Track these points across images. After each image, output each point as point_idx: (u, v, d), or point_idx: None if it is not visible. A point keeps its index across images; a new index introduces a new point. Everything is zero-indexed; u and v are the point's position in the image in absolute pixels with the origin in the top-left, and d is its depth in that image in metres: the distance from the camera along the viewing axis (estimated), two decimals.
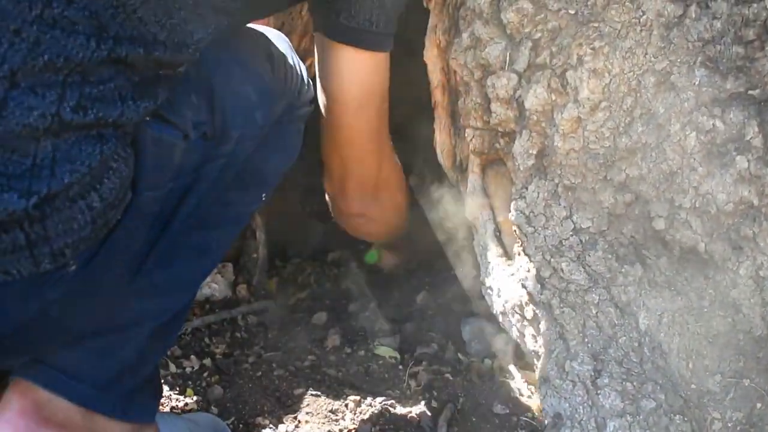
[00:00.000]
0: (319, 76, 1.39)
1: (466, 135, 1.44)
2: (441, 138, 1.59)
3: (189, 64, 1.04)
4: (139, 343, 1.18)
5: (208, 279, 1.91)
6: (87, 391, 1.13)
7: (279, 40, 1.29)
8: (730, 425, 1.10)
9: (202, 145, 1.07)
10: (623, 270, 1.24)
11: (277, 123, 1.24)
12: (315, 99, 1.37)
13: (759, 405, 1.10)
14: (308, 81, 1.32)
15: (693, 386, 1.15)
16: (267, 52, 1.22)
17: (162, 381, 1.51)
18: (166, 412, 1.42)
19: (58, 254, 0.92)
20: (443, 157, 1.60)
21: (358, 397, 1.51)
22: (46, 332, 1.06)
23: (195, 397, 1.51)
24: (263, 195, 1.30)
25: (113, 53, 0.91)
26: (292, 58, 1.28)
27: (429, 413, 1.48)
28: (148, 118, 0.99)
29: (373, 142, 1.47)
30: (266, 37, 1.26)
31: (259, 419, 1.45)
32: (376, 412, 1.47)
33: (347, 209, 1.58)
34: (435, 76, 1.54)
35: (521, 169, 1.34)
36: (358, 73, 1.35)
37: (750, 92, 1.15)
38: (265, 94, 1.18)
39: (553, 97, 1.28)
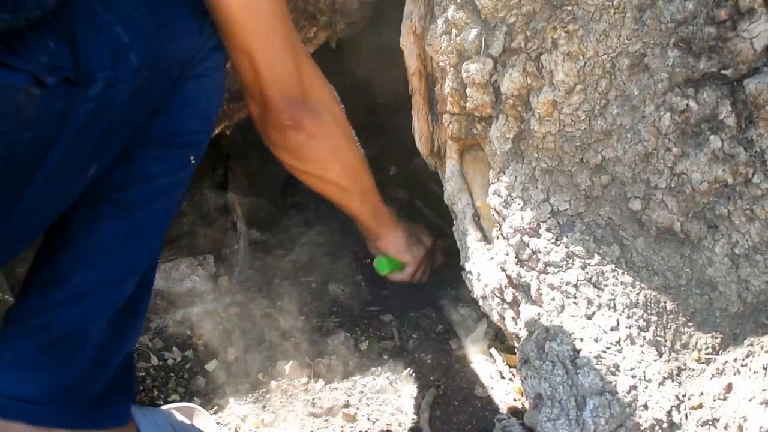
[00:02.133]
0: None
1: (443, 121, 1.45)
2: (419, 125, 1.59)
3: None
4: (92, 345, 1.14)
5: (188, 272, 1.91)
6: (44, 410, 1.09)
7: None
8: (707, 400, 1.11)
9: (65, 92, 0.97)
10: (601, 251, 1.25)
11: (188, 76, 1.16)
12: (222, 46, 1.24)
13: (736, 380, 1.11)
14: (212, 29, 1.21)
15: (672, 364, 1.16)
16: None
17: (139, 373, 1.52)
18: (145, 406, 1.40)
19: None
20: (421, 144, 1.60)
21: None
22: None
23: (178, 389, 1.51)
24: (191, 157, 1.21)
25: None
26: (199, 22, 1.19)
27: (412, 397, 1.48)
28: None
29: (278, 38, 1.30)
30: None
31: (239, 407, 1.45)
32: (359, 394, 1.48)
33: (277, 118, 1.37)
34: (411, 62, 1.54)
35: (498, 153, 1.34)
36: None
37: (723, 72, 1.16)
38: (141, 34, 1.06)
39: (529, 81, 1.28)
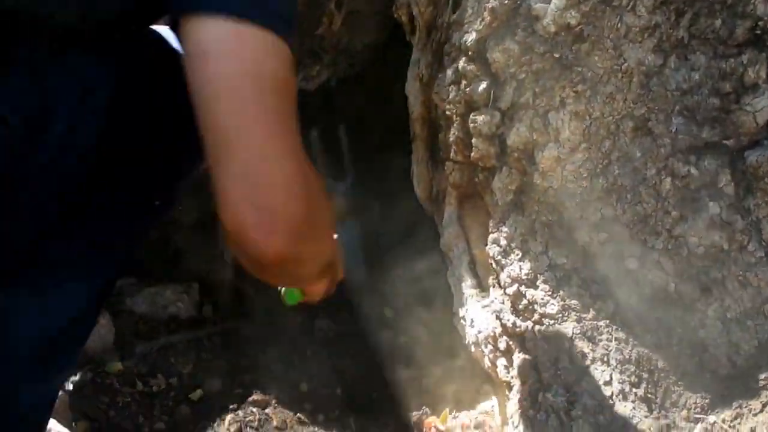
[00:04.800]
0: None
1: (445, 168, 1.48)
2: (418, 170, 1.62)
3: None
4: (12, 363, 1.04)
5: (173, 298, 1.90)
6: None
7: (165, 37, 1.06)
8: None
9: (24, 132, 0.90)
10: (596, 306, 1.28)
11: (170, 120, 1.00)
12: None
13: None
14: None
15: (662, 421, 1.18)
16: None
17: (124, 399, 1.50)
18: None
19: None
20: (419, 189, 1.63)
21: None
22: None
23: (163, 417, 1.50)
24: (156, 203, 1.11)
25: None
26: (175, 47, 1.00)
27: None
28: None
29: (277, 147, 0.87)
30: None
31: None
32: None
33: (274, 254, 0.86)
34: (416, 108, 1.57)
35: (500, 203, 1.37)
36: (234, 49, 0.86)
37: (724, 142, 1.21)
38: (109, 73, 0.96)
39: (535, 137, 1.32)
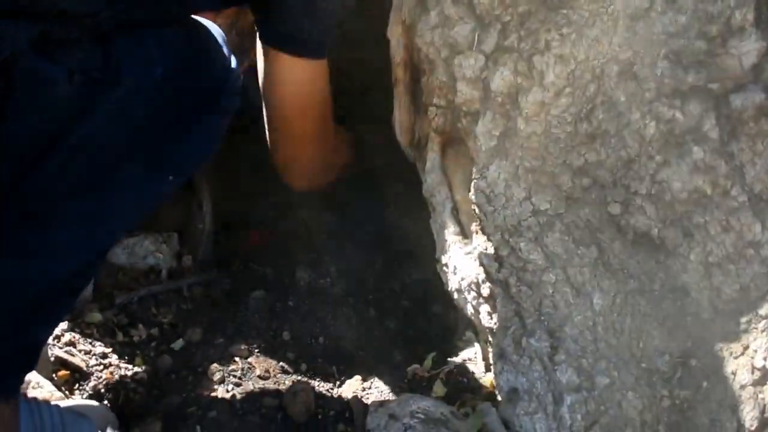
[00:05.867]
0: (262, 78, 1.42)
1: (428, 113, 1.46)
2: (400, 115, 1.60)
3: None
4: (10, 306, 1.09)
5: (152, 248, 1.88)
6: None
7: (211, 27, 1.29)
8: (677, 402, 1.15)
9: (88, 90, 1.01)
10: (579, 252, 1.28)
11: (196, 109, 1.22)
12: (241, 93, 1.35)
13: (705, 384, 1.15)
14: (238, 72, 1.31)
15: (643, 365, 1.19)
16: (187, 26, 1.21)
17: (105, 349, 1.49)
18: (44, 402, 1.28)
19: None
20: (401, 134, 1.61)
21: None
22: None
23: (144, 366, 1.49)
24: (170, 177, 1.24)
25: None
26: (222, 46, 1.28)
27: None
28: (26, 48, 0.92)
29: (316, 140, 1.52)
30: (192, 19, 1.25)
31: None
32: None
33: (293, 185, 1.62)
34: (397, 53, 1.54)
35: (483, 149, 1.36)
36: (292, 79, 1.38)
37: (709, 86, 1.20)
38: (170, 55, 1.14)
39: (519, 80, 1.30)
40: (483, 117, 1.35)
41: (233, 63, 1.31)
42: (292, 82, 1.38)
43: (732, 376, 1.13)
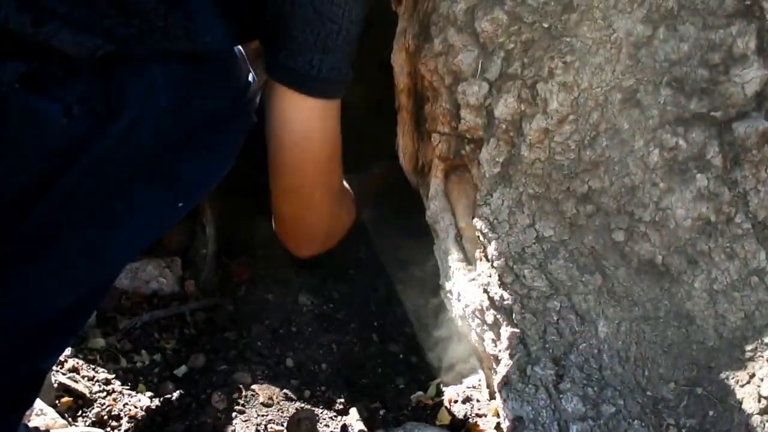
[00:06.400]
0: (267, 118, 1.29)
1: (432, 140, 1.46)
2: (404, 142, 1.60)
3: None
4: (15, 338, 1.07)
5: (156, 273, 1.88)
6: None
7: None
8: (684, 431, 1.14)
9: (89, 122, 0.96)
10: (583, 279, 1.28)
11: (207, 128, 1.15)
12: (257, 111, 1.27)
13: (711, 412, 1.15)
14: (255, 88, 1.23)
15: (649, 393, 1.19)
16: None
17: (108, 375, 1.49)
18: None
19: None
20: (405, 161, 1.61)
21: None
22: None
23: (147, 393, 1.48)
24: (180, 204, 1.17)
25: None
26: (236, 62, 1.20)
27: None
28: (17, 86, 0.88)
29: (323, 190, 1.37)
30: None
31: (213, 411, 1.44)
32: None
33: (297, 252, 1.51)
34: (401, 79, 1.55)
35: (487, 176, 1.36)
36: (300, 119, 1.25)
37: (712, 113, 1.20)
38: (177, 78, 1.05)
39: (523, 108, 1.31)
40: (487, 144, 1.36)
41: (250, 77, 1.22)
42: (300, 123, 1.25)
43: (738, 405, 1.13)
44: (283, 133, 1.27)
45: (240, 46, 1.24)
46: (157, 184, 1.13)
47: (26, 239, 1.00)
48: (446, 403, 1.52)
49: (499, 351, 1.32)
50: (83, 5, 0.92)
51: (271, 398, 1.52)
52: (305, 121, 1.25)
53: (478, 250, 1.40)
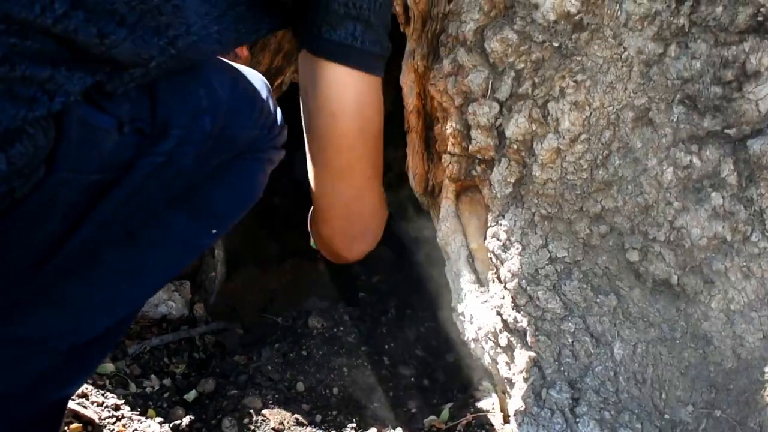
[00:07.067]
0: (308, 98, 1.22)
1: (442, 161, 1.45)
2: (413, 163, 1.59)
3: (147, 68, 0.95)
4: (38, 364, 1.07)
5: (165, 297, 1.87)
6: None
7: (254, 76, 1.23)
8: None
9: (137, 142, 0.98)
10: (598, 300, 1.26)
11: (239, 157, 1.17)
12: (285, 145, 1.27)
13: None
14: (282, 124, 1.24)
15: (667, 416, 1.17)
16: (231, 74, 1.17)
17: (117, 401, 1.47)
18: None
19: None
20: (415, 182, 1.60)
21: None
22: None
23: (157, 419, 1.46)
24: (213, 231, 1.18)
25: (59, 25, 0.83)
26: (267, 96, 1.22)
27: None
28: (79, 98, 0.90)
29: (374, 172, 1.27)
30: (235, 67, 1.21)
31: None
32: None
33: (347, 251, 1.34)
34: (410, 100, 1.55)
35: (498, 196, 1.35)
36: (349, 92, 1.19)
37: (726, 131, 1.19)
38: (218, 103, 1.07)
39: (534, 127, 1.29)
40: (498, 164, 1.34)
41: (278, 116, 1.23)
42: (347, 92, 1.20)
43: (759, 428, 1.10)
44: (335, 107, 1.19)
45: (268, 84, 1.26)
46: (194, 209, 1.15)
47: (70, 257, 1.01)
48: (459, 428, 1.49)
49: (514, 374, 1.31)
50: (150, 14, 0.93)
51: (282, 423, 1.50)
52: (354, 94, 1.20)
53: (490, 272, 1.38)
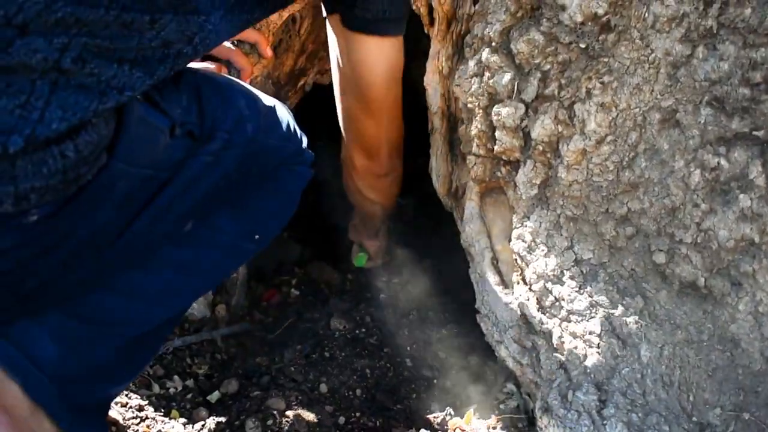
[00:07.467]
0: (343, 65, 1.54)
1: (467, 162, 1.45)
2: (437, 164, 1.59)
3: (192, 44, 1.03)
4: (109, 348, 1.14)
5: None
6: (43, 384, 1.07)
7: (279, 102, 1.36)
8: None
9: (187, 144, 1.07)
10: (624, 302, 1.26)
11: (277, 169, 1.29)
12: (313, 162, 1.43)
13: None
14: (307, 148, 1.39)
15: (694, 419, 1.16)
16: (260, 93, 1.28)
17: (141, 401, 1.48)
18: None
19: (22, 197, 0.85)
20: (439, 184, 1.60)
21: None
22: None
23: (180, 419, 1.47)
24: (256, 236, 1.32)
25: (120, 18, 0.91)
26: (293, 121, 1.36)
27: None
28: (139, 98, 0.98)
29: (398, 109, 1.62)
30: (261, 93, 1.31)
31: None
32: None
33: (381, 170, 1.75)
34: (435, 102, 1.55)
35: (524, 198, 1.35)
36: (383, 58, 1.50)
37: (754, 133, 1.18)
38: (257, 113, 1.21)
39: (560, 129, 1.29)
40: (523, 166, 1.34)
41: (305, 140, 1.38)
42: (381, 59, 1.50)
43: None
44: (370, 73, 1.52)
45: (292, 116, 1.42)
46: (238, 214, 1.26)
47: (129, 247, 1.07)
48: (484, 429, 1.49)
49: (539, 376, 1.30)
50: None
51: (305, 425, 1.50)
52: (386, 58, 1.50)
53: (515, 273, 1.38)
